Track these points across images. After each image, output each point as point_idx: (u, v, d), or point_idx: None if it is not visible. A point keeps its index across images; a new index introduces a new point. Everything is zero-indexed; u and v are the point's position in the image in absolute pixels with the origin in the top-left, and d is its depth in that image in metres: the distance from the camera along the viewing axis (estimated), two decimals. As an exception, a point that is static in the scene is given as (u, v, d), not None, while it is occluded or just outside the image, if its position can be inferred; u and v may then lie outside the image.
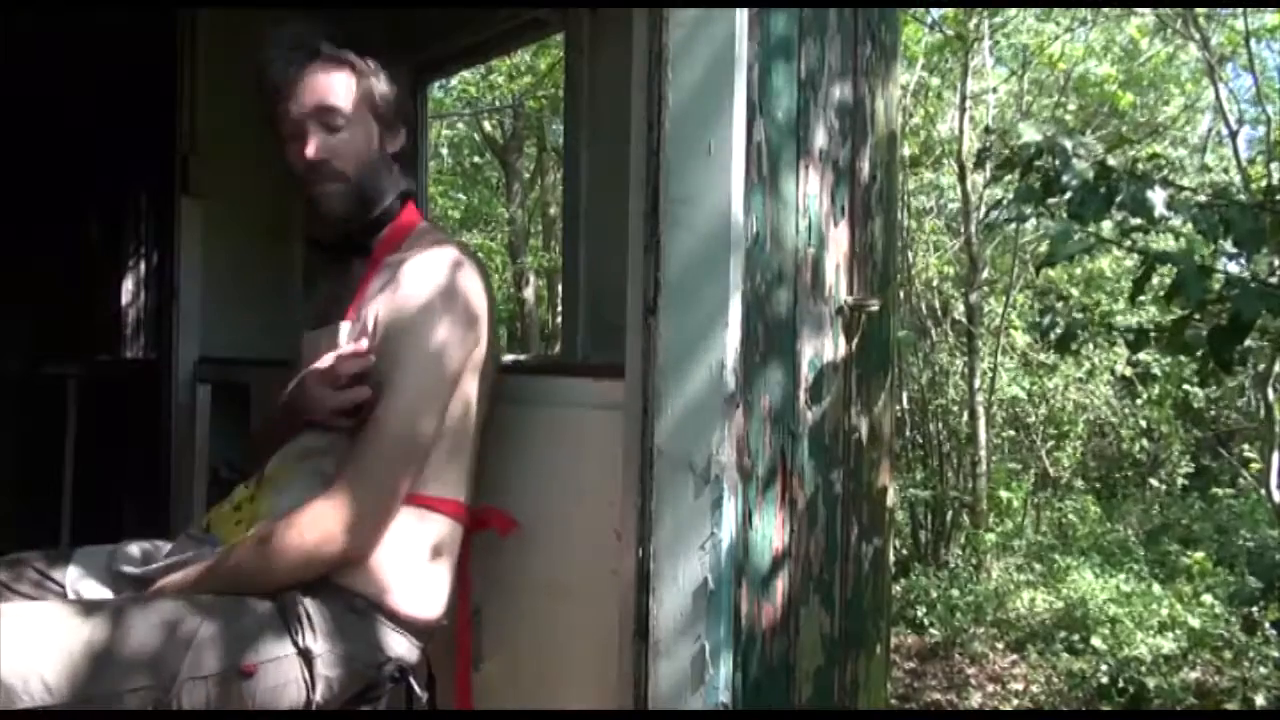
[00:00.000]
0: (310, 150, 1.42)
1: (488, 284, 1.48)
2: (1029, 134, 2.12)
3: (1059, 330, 2.17)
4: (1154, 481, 7.11)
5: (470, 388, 1.44)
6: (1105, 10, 6.17)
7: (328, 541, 1.30)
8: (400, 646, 1.39)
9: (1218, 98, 5.19)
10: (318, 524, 1.30)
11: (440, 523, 1.43)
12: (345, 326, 1.44)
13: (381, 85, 1.48)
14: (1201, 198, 2.03)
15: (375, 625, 1.36)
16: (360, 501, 1.30)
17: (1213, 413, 7.17)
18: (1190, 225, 2.04)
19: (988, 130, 5.66)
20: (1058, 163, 2.05)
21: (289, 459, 1.46)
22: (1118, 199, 2.00)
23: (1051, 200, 2.12)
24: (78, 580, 1.49)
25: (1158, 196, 1.98)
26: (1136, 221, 2.08)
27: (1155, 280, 2.12)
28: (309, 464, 1.42)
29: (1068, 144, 2.07)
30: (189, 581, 1.35)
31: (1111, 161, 2.08)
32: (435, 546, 1.42)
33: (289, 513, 1.33)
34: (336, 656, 1.30)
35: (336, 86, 1.44)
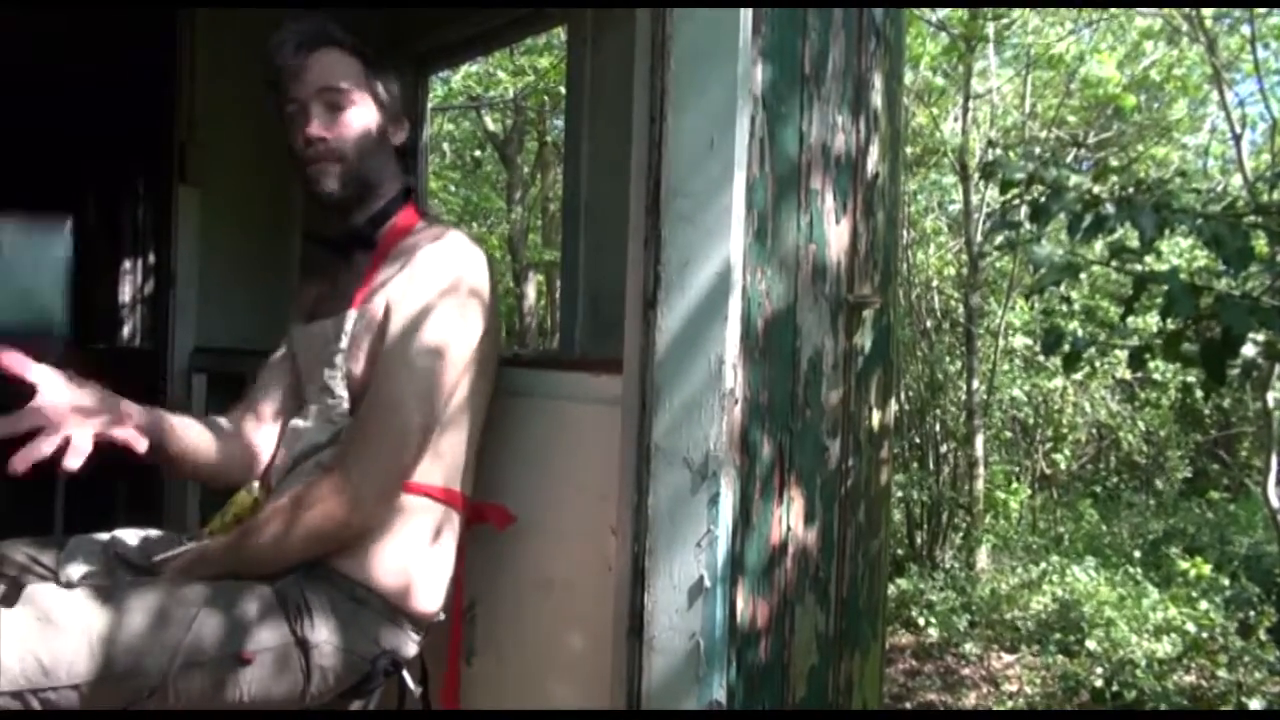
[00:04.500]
0: (313, 128, 1.43)
1: (492, 273, 1.50)
2: (1014, 169, 2.14)
3: (1065, 349, 2.16)
4: (1158, 483, 7.10)
5: (472, 375, 1.46)
6: (1113, 11, 6.14)
7: (329, 518, 1.31)
8: (397, 638, 1.39)
9: (1223, 101, 5.17)
10: (322, 500, 1.31)
11: (439, 511, 1.44)
12: (352, 315, 1.44)
13: (387, 77, 1.52)
14: (1193, 210, 2.03)
15: (375, 616, 1.36)
16: (364, 477, 1.32)
17: (1213, 417, 7.16)
18: (1194, 238, 2.04)
19: (990, 144, 5.65)
20: (1044, 197, 2.06)
21: (289, 461, 1.47)
22: (1108, 223, 2.02)
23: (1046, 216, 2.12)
24: (71, 567, 1.48)
25: (1149, 221, 1.99)
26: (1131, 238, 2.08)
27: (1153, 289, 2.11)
28: (310, 463, 1.43)
29: (1049, 175, 2.08)
30: (198, 560, 1.36)
31: (1101, 187, 2.08)
32: (435, 534, 1.43)
33: (294, 491, 1.34)
34: (334, 647, 1.31)
35: (342, 68, 1.47)
